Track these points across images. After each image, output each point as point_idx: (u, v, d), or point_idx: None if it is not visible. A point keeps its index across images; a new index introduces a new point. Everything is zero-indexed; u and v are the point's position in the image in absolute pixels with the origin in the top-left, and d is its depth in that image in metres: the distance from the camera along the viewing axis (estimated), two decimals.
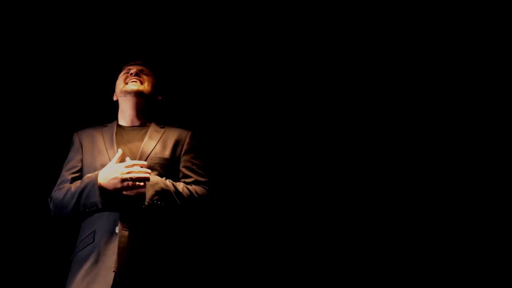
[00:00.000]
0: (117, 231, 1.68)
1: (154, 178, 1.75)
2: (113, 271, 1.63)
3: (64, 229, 2.11)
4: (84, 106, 2.42)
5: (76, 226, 1.85)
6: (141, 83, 1.97)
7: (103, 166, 1.77)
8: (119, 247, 1.66)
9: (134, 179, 1.69)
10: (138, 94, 1.93)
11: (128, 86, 1.95)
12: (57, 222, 2.11)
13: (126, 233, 1.68)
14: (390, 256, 2.43)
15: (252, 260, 2.42)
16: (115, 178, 1.70)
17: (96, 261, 1.67)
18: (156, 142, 1.88)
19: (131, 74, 1.97)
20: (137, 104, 1.95)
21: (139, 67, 2.03)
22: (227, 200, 2.32)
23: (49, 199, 1.87)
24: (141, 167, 1.73)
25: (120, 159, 1.76)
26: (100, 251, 1.68)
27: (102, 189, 1.71)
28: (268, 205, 2.49)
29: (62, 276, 1.80)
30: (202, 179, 1.90)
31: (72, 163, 1.89)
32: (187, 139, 1.96)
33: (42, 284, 2.24)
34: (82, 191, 1.73)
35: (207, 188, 1.88)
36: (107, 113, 2.12)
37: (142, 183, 1.70)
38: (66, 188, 1.80)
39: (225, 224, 2.42)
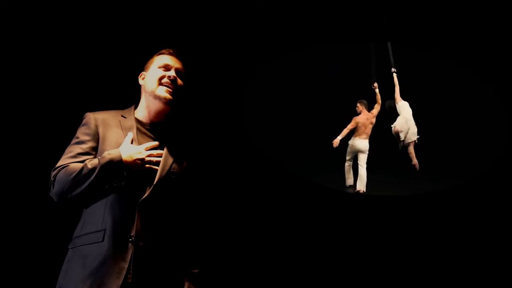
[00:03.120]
0: (132, 238, 1.69)
1: None
2: (128, 281, 1.64)
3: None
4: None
5: (74, 212, 1.85)
6: (175, 91, 1.92)
7: None
8: (134, 257, 1.67)
9: (152, 163, 1.80)
10: (168, 103, 1.92)
11: (161, 92, 1.90)
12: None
13: (142, 243, 1.70)
14: None
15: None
16: (139, 159, 1.76)
17: (104, 264, 1.66)
18: (174, 158, 1.88)
19: (169, 77, 1.91)
20: (163, 109, 1.95)
21: (178, 66, 1.96)
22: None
23: (52, 178, 1.78)
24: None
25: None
26: (110, 255, 1.67)
27: (126, 166, 1.74)
28: None
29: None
30: None
31: (85, 147, 1.82)
32: (196, 153, 2.00)
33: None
34: (103, 166, 1.71)
35: None
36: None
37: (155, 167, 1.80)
38: (77, 165, 1.74)
39: None
